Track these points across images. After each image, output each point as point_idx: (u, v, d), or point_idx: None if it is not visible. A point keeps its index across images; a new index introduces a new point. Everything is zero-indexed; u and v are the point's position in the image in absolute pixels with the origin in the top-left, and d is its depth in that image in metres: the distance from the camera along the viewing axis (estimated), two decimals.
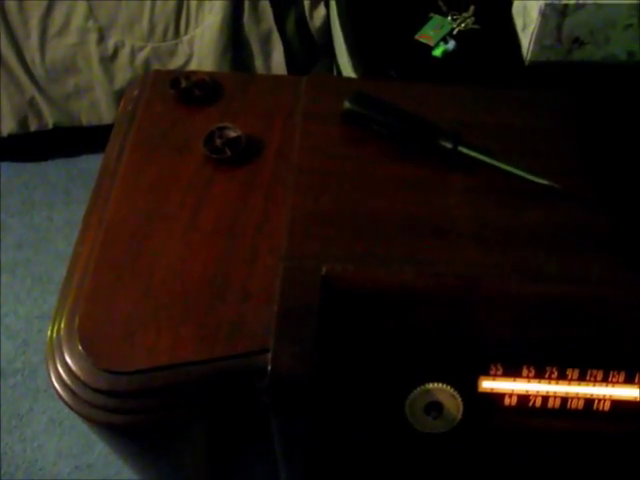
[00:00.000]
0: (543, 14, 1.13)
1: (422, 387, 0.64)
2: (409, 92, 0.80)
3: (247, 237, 0.68)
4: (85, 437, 1.52)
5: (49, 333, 0.65)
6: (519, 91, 0.82)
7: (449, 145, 0.72)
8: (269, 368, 0.60)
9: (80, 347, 0.62)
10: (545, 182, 0.70)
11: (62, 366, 0.63)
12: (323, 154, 0.74)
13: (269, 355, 0.60)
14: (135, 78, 0.84)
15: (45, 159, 1.95)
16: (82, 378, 0.62)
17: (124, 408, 0.61)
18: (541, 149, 0.75)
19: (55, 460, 1.50)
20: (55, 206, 1.87)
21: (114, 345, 0.62)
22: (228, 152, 0.73)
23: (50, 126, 1.81)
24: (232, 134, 0.74)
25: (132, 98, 0.80)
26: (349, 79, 1.21)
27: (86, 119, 1.81)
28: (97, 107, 1.78)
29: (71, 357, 0.62)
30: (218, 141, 0.73)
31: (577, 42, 1.18)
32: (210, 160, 0.73)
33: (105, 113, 1.78)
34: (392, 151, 0.74)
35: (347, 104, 0.74)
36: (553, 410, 0.66)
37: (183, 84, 0.78)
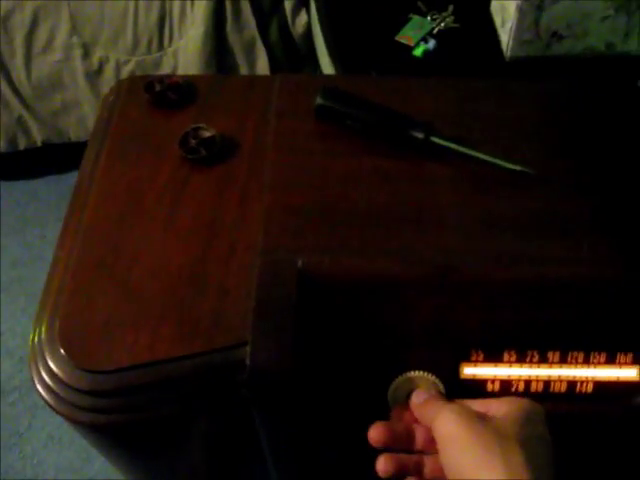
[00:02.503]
0: (520, 9, 1.14)
1: (404, 376, 0.64)
2: (381, 86, 0.80)
3: (224, 234, 0.68)
4: (85, 452, 1.52)
5: (31, 338, 0.66)
6: (492, 80, 0.82)
7: (421, 135, 0.72)
8: (247, 361, 0.60)
9: (61, 349, 0.62)
10: (518, 168, 0.71)
11: (44, 369, 0.63)
12: (297, 150, 0.74)
13: (247, 349, 0.60)
14: (112, 86, 0.84)
15: (36, 177, 1.97)
16: (64, 379, 0.62)
17: (107, 407, 0.61)
18: (514, 135, 0.76)
19: (55, 475, 1.50)
20: (48, 223, 1.88)
21: (94, 345, 0.62)
22: (203, 152, 0.73)
23: (39, 143, 1.83)
24: (207, 134, 0.74)
25: (108, 104, 0.81)
26: (321, 76, 1.22)
27: (74, 135, 1.82)
28: (85, 122, 1.79)
29: (53, 359, 0.63)
30: (193, 141, 0.74)
31: (555, 36, 1.18)
32: (186, 161, 0.74)
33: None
34: (365, 144, 0.75)
35: (319, 99, 0.75)
36: (536, 394, 0.66)
37: (157, 88, 0.79)
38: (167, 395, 0.62)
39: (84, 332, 0.63)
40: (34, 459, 1.52)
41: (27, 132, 1.80)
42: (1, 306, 1.74)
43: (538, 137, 0.76)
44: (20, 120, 1.77)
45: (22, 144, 1.82)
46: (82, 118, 1.78)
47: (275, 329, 0.61)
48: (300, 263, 0.64)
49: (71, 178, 1.95)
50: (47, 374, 0.63)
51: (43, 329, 0.65)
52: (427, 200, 0.70)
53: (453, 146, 0.72)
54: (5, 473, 1.49)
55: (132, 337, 0.62)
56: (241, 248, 0.67)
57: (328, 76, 1.18)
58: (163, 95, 0.79)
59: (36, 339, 0.65)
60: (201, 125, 0.75)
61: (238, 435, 0.70)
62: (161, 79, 0.80)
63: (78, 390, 0.62)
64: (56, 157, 1.92)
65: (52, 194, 1.93)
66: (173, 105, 0.79)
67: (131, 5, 1.61)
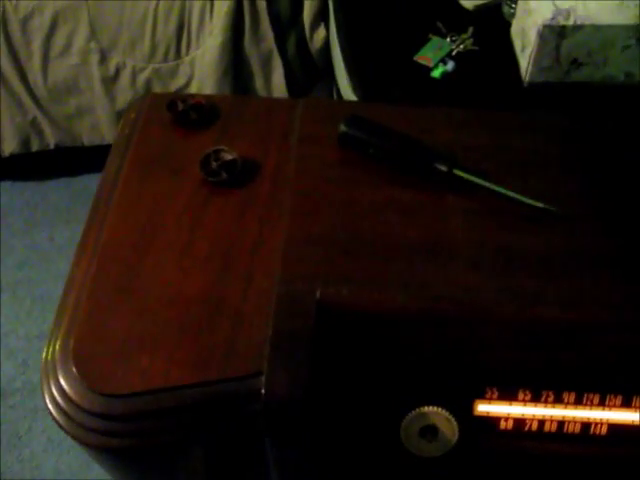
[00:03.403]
0: (541, 35, 1.14)
1: (417, 410, 0.64)
2: (405, 115, 0.80)
3: (242, 260, 0.68)
4: (84, 457, 1.51)
5: (44, 355, 0.65)
6: (516, 112, 0.82)
7: (444, 168, 0.72)
8: (263, 391, 0.59)
9: (74, 369, 0.62)
10: (541, 205, 0.70)
11: (56, 388, 0.63)
12: (319, 177, 0.74)
13: (263, 378, 0.60)
14: (133, 101, 0.84)
15: (46, 179, 1.96)
16: (76, 400, 0.61)
17: (118, 431, 0.61)
18: (539, 171, 0.75)
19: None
20: (56, 226, 1.87)
21: (108, 368, 0.62)
22: (224, 175, 0.73)
23: (52, 146, 1.82)
24: (228, 157, 0.74)
25: (129, 121, 0.80)
26: (345, 102, 1.22)
27: (87, 139, 1.82)
28: (98, 127, 1.79)
29: (65, 379, 0.62)
30: (214, 164, 0.73)
31: (575, 63, 1.18)
32: (206, 183, 0.73)
33: (106, 133, 1.79)
34: (388, 174, 0.74)
35: (343, 127, 0.75)
36: (549, 434, 0.66)
37: (180, 107, 0.79)
38: (179, 422, 0.61)
39: (98, 354, 0.63)
40: (33, 462, 1.51)
41: (40, 134, 1.80)
42: (6, 307, 1.73)
43: (562, 173, 0.75)
44: (34, 122, 1.77)
45: (35, 146, 1.82)
46: (96, 123, 1.78)
47: (291, 360, 0.60)
48: (318, 294, 0.63)
49: (82, 182, 1.95)
50: (59, 393, 0.63)
51: (57, 347, 0.64)
52: (447, 234, 0.69)
53: (476, 180, 0.72)
54: (3, 475, 1.49)
55: (146, 362, 0.62)
56: (258, 275, 0.67)
57: (352, 103, 1.18)
58: (185, 114, 0.78)
59: (49, 357, 0.65)
60: (223, 147, 0.74)
61: (246, 461, 0.70)
62: (184, 98, 0.79)
63: (89, 412, 0.61)
64: (68, 160, 1.91)
65: (62, 197, 1.92)
66: (195, 125, 0.78)
67: (150, 13, 1.60)
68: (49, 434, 1.55)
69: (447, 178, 0.72)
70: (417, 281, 0.66)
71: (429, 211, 0.71)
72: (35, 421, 1.56)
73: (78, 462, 1.51)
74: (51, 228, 1.87)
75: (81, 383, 0.61)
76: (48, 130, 1.79)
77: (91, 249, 0.70)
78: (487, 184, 0.72)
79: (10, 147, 1.81)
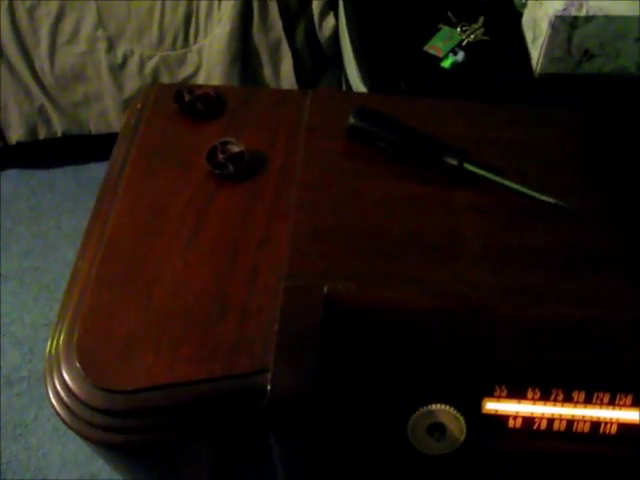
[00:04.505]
0: (553, 26, 1.13)
1: (425, 408, 0.63)
2: (415, 107, 0.79)
3: (248, 254, 0.67)
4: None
5: (48, 348, 0.65)
6: (527, 106, 0.81)
7: (454, 162, 0.71)
8: (268, 388, 0.59)
9: (78, 364, 0.61)
10: (552, 200, 0.69)
11: (60, 383, 0.62)
12: (327, 170, 0.73)
13: (269, 375, 0.59)
14: (139, 91, 0.83)
15: (53, 167, 1.95)
16: (80, 396, 0.61)
17: (122, 427, 0.60)
18: (550, 166, 0.74)
19: (59, 469, 1.49)
20: (63, 214, 1.87)
21: (112, 363, 0.61)
22: (231, 167, 0.72)
23: (59, 134, 1.81)
24: (235, 149, 0.73)
25: (135, 111, 0.80)
26: (354, 93, 1.21)
27: (95, 127, 1.81)
28: (106, 115, 1.78)
29: (69, 374, 0.62)
30: (221, 156, 0.73)
31: (587, 54, 1.17)
32: (213, 175, 0.73)
33: (114, 121, 1.78)
34: (397, 167, 0.73)
35: (351, 120, 0.74)
36: (558, 433, 0.65)
37: (186, 98, 0.78)
38: (184, 418, 0.61)
39: (102, 349, 0.62)
40: (39, 451, 1.51)
41: (48, 122, 1.79)
42: (12, 295, 1.73)
43: (573, 167, 0.74)
44: (41, 110, 1.76)
45: (42, 134, 1.81)
46: (103, 111, 1.77)
47: (298, 356, 0.60)
48: (326, 289, 0.63)
49: (89, 170, 1.94)
50: (62, 388, 0.62)
51: (61, 341, 0.64)
52: (457, 229, 0.68)
53: (487, 174, 0.71)
54: (9, 464, 1.49)
55: (151, 357, 0.61)
56: (265, 270, 0.66)
57: (360, 94, 1.17)
58: (192, 105, 0.78)
59: (53, 351, 0.64)
60: (230, 139, 0.73)
61: (251, 458, 0.69)
62: (191, 89, 0.78)
63: (93, 408, 0.61)
64: (75, 148, 1.91)
65: (69, 185, 1.92)
66: (202, 116, 0.78)
67: (158, 0, 1.59)
68: (55, 423, 1.55)
69: (457, 172, 0.71)
70: (426, 277, 0.65)
71: (438, 205, 0.70)
72: (41, 409, 1.56)
73: (84, 451, 1.51)
74: (58, 216, 1.86)
75: (84, 378, 0.61)
76: (55, 118, 1.78)
77: (96, 241, 0.69)
78: (497, 179, 0.71)
79: (17, 135, 1.80)
